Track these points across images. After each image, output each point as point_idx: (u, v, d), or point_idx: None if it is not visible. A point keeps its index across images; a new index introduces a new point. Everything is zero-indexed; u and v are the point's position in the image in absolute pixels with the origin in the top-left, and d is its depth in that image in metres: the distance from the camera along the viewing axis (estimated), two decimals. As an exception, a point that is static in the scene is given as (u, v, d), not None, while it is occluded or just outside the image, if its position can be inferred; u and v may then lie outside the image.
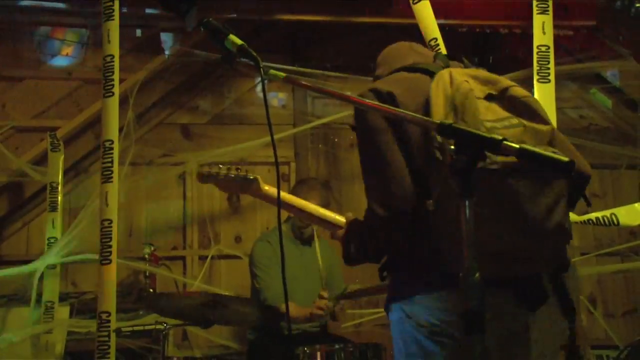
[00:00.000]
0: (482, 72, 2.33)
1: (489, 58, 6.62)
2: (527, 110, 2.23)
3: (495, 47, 6.70)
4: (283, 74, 2.21)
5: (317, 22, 6.10)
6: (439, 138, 2.06)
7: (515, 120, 2.17)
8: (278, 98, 6.64)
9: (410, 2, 4.48)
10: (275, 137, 5.77)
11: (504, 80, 2.30)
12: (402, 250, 2.36)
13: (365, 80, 6.00)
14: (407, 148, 2.28)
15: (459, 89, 2.17)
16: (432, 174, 2.17)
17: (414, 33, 4.39)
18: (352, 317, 5.53)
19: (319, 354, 4.32)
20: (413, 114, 2.06)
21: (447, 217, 2.07)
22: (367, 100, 2.21)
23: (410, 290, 2.33)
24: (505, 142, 1.82)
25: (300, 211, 3.33)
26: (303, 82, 2.72)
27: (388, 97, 2.28)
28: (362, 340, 4.95)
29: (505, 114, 2.19)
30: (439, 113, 2.13)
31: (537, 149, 1.85)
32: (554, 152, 2.00)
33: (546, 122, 2.25)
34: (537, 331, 2.25)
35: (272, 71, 2.21)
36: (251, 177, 3.20)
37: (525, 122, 2.19)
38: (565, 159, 1.78)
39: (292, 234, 5.16)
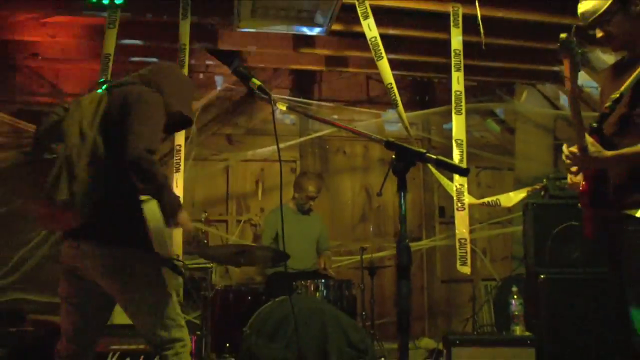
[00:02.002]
0: None
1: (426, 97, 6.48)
2: None
3: (430, 90, 6.51)
4: (285, 104, 2.13)
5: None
6: None
7: None
8: (290, 118, 6.46)
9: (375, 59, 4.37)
10: (287, 143, 5.76)
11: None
12: None
13: (345, 108, 6.08)
14: None
15: None
16: None
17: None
18: (335, 262, 5.37)
19: (311, 285, 4.21)
20: (371, 134, 1.96)
21: None
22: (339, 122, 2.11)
23: None
24: (427, 154, 1.78)
25: None
26: (298, 110, 2.71)
27: None
28: (340, 277, 4.87)
29: None
30: None
31: (446, 159, 1.81)
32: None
33: None
34: None
35: (279, 103, 2.13)
36: None
37: None
38: (464, 166, 1.79)
39: (295, 207, 5.03)
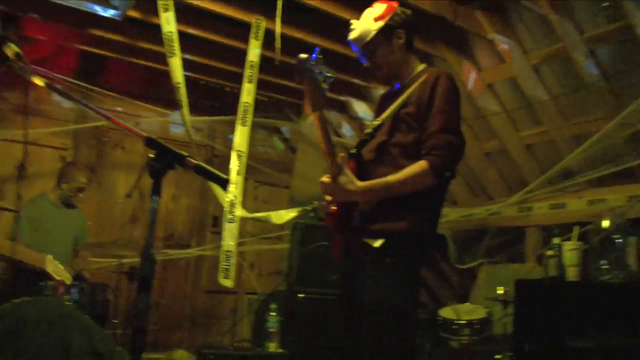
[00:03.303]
0: None
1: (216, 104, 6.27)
2: None
3: (222, 98, 6.33)
4: (43, 81, 1.78)
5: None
6: None
7: None
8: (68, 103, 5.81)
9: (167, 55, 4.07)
10: (60, 129, 5.13)
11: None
12: None
13: (131, 102, 5.61)
14: None
15: None
16: None
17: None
18: (92, 264, 4.86)
19: (60, 286, 3.72)
20: (130, 127, 1.88)
21: None
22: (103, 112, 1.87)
23: None
24: (188, 158, 1.70)
25: None
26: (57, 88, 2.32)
27: None
28: (95, 280, 4.40)
29: None
30: None
31: (208, 167, 1.77)
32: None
33: None
34: None
35: (35, 77, 1.78)
36: None
37: None
38: (225, 176, 1.79)
39: (57, 200, 4.41)
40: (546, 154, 5.08)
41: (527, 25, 4.54)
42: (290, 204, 6.28)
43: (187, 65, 4.32)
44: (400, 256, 2.19)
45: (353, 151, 2.32)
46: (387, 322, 2.16)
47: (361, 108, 6.07)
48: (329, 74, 2.07)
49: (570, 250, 3.42)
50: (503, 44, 4.59)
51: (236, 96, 6.11)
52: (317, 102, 2.13)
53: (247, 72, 4.47)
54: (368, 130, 2.28)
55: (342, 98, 6.00)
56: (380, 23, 2.32)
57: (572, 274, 3.37)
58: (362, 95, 5.96)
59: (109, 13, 4.27)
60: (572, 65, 4.43)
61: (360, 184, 2.17)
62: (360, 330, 2.21)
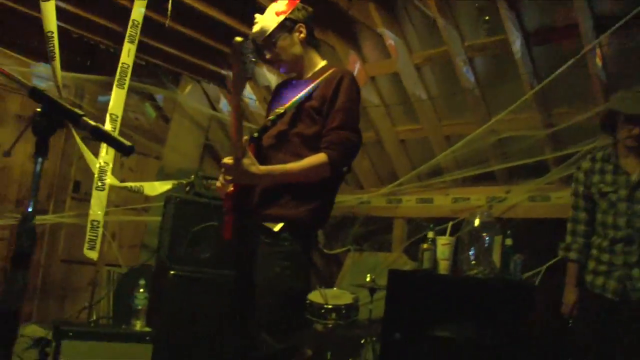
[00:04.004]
0: None
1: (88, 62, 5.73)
2: None
3: (95, 55, 5.77)
4: None
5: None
6: None
7: None
8: None
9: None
10: None
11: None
12: None
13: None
14: None
15: None
16: None
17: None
18: None
19: None
20: (19, 77, 1.51)
21: None
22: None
23: None
24: (84, 118, 1.46)
25: None
26: None
27: None
28: None
29: None
30: None
31: (109, 131, 1.55)
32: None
33: None
34: None
35: None
36: None
37: None
38: (129, 143, 1.51)
39: None
40: (418, 151, 5.28)
41: (415, 25, 4.68)
42: (159, 174, 5.97)
43: (60, 14, 3.88)
44: (296, 240, 2.29)
45: (255, 135, 2.39)
46: (281, 302, 2.24)
47: (273, 79, 5.82)
48: (254, 60, 2.02)
49: (443, 244, 3.57)
50: (390, 39, 4.66)
51: (110, 56, 5.71)
52: (240, 86, 2.13)
53: (130, 31, 4.13)
54: (271, 117, 2.37)
55: (223, 71, 5.77)
56: (282, 17, 2.42)
57: (443, 267, 3.53)
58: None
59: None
60: (451, 69, 4.62)
61: (262, 167, 2.23)
62: (254, 308, 2.27)
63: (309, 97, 2.37)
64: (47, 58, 5.36)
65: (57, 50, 3.77)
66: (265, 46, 2.47)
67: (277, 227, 2.27)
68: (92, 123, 1.39)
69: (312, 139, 2.34)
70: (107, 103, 4.05)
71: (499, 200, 4.73)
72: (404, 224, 5.36)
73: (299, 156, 2.30)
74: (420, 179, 5.26)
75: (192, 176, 4.02)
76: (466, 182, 5.03)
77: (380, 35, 4.67)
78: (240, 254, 2.45)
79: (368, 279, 4.58)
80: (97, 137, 1.41)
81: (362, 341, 4.52)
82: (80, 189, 5.87)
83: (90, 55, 5.84)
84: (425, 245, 3.64)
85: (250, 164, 2.20)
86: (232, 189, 2.37)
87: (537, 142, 4.48)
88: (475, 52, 4.46)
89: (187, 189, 4.04)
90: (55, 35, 3.72)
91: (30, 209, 1.36)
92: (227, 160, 2.23)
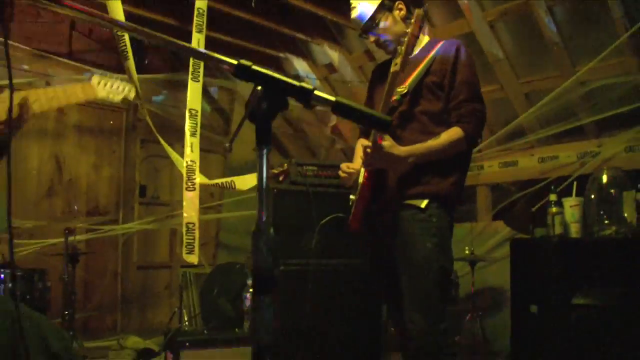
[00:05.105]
0: None
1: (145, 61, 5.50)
2: None
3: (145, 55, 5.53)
4: None
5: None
6: None
7: None
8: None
9: None
10: None
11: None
12: None
13: (42, 57, 4.74)
14: None
15: None
16: None
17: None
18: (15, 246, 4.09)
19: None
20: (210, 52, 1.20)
21: None
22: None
23: None
24: (316, 92, 1.12)
25: None
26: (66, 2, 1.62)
27: None
28: (29, 266, 3.65)
29: None
30: None
31: (354, 104, 1.17)
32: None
33: None
34: None
35: None
36: None
37: None
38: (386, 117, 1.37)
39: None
40: (496, 112, 4.97)
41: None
42: (225, 169, 5.76)
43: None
44: (442, 216, 2.25)
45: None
46: (436, 280, 2.19)
47: (301, 66, 5.59)
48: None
49: (572, 206, 3.30)
50: (462, -1, 4.35)
51: (157, 52, 5.47)
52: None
53: (196, 20, 3.88)
54: (396, 97, 2.27)
55: (281, 54, 5.48)
56: None
57: (575, 230, 3.26)
58: (302, 52, 5.49)
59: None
60: (527, 23, 4.30)
61: (403, 149, 2.19)
62: (405, 285, 2.24)
63: (427, 72, 2.30)
64: (95, 65, 5.16)
65: (129, 50, 3.52)
66: (368, 28, 2.41)
67: (424, 204, 2.23)
68: (331, 97, 1.12)
69: (438, 115, 2.29)
70: (161, 102, 3.81)
71: (593, 155, 4.43)
72: (488, 191, 5.09)
73: (430, 134, 2.25)
74: (499, 142, 4.96)
75: (285, 164, 3.76)
76: (550, 140, 4.73)
77: (450, -4, 4.35)
78: (376, 241, 2.41)
79: (467, 252, 4.34)
80: (342, 113, 1.14)
81: (468, 317, 4.30)
82: (146, 192, 5.67)
83: (142, 56, 5.60)
84: (554, 209, 3.36)
85: (391, 145, 2.17)
86: (366, 176, 2.29)
87: (628, 90, 4.16)
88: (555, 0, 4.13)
89: (281, 178, 3.78)
90: (127, 34, 3.47)
91: (263, 219, 1.10)
92: (364, 142, 2.22)
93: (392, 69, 2.17)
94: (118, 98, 2.30)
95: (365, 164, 2.25)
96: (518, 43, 4.57)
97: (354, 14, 2.42)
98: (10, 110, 1.43)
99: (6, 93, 1.69)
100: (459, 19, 4.54)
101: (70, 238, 3.65)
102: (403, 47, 2.15)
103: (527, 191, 4.64)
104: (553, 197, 3.41)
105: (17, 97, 1.77)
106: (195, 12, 3.87)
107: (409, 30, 2.16)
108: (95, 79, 2.09)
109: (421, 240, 2.20)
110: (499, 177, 4.97)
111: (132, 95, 2.34)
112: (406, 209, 2.25)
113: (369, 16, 2.37)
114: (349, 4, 2.43)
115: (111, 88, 2.15)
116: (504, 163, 4.93)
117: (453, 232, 2.31)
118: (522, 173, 4.79)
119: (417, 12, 2.20)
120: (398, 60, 2.16)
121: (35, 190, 5.02)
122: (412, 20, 2.18)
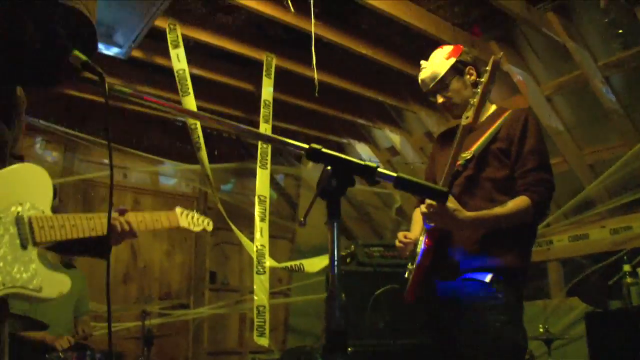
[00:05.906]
0: None
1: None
2: None
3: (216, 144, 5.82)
4: (129, 90, 1.30)
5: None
6: None
7: None
8: (51, 155, 5.23)
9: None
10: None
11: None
12: None
13: (119, 150, 5.08)
14: None
15: None
16: None
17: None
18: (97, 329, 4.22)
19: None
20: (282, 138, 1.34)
21: None
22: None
23: None
24: (379, 169, 1.20)
25: None
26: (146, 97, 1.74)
27: None
28: (106, 348, 3.77)
29: None
30: None
31: (414, 178, 1.23)
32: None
33: None
34: None
35: (116, 86, 1.33)
36: None
37: None
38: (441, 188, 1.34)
39: (58, 260, 3.83)
40: (561, 185, 4.87)
41: (539, 55, 4.42)
42: (293, 253, 5.83)
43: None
44: (509, 290, 2.08)
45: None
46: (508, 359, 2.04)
47: (364, 150, 5.73)
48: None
49: (647, 276, 3.15)
50: (517, 75, 4.42)
51: (227, 142, 5.74)
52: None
53: (263, 111, 4.11)
54: (461, 162, 2.22)
55: (344, 140, 5.65)
56: (452, 60, 2.36)
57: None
58: (364, 137, 5.65)
59: (113, 51, 3.78)
60: (584, 94, 4.31)
61: (469, 213, 2.09)
62: None
63: (494, 139, 2.23)
64: (167, 155, 5.44)
65: (202, 141, 3.75)
66: (436, 90, 2.37)
67: (488, 278, 2.08)
68: (393, 173, 1.18)
69: (503, 182, 2.20)
70: (229, 191, 3.95)
71: (670, 223, 4.24)
72: (559, 266, 4.90)
73: (493, 201, 2.16)
74: (566, 216, 4.83)
75: (352, 246, 3.79)
76: (622, 210, 4.57)
77: (506, 72, 4.43)
78: (434, 316, 2.27)
79: (541, 330, 4.13)
80: (403, 187, 1.20)
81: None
82: (216, 279, 5.78)
83: (214, 145, 5.90)
84: (629, 280, 3.21)
85: (456, 209, 2.07)
86: (428, 242, 2.17)
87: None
88: (611, 69, 4.14)
89: (348, 260, 3.79)
90: (199, 125, 3.71)
91: (336, 283, 1.14)
92: (428, 202, 2.10)
93: (463, 122, 2.14)
94: (197, 229, 2.46)
95: (427, 219, 2.14)
96: (577, 114, 4.57)
97: (424, 74, 2.40)
98: (109, 216, 1.52)
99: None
100: (516, 95, 4.60)
101: (146, 322, 3.75)
102: (476, 99, 2.13)
103: (601, 264, 4.46)
104: (627, 267, 3.27)
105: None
106: (262, 104, 4.10)
107: (482, 79, 2.14)
108: (178, 210, 2.27)
109: (485, 320, 2.03)
110: (570, 252, 4.79)
111: (210, 227, 2.51)
112: (468, 281, 2.11)
113: (440, 76, 2.35)
114: (407, 89, 2.47)
115: (192, 220, 2.31)
116: (574, 236, 4.77)
117: (524, 310, 2.13)
118: (594, 246, 4.62)
119: (493, 58, 2.14)
120: (470, 112, 2.14)
121: (111, 276, 5.21)
122: (487, 68, 2.14)
